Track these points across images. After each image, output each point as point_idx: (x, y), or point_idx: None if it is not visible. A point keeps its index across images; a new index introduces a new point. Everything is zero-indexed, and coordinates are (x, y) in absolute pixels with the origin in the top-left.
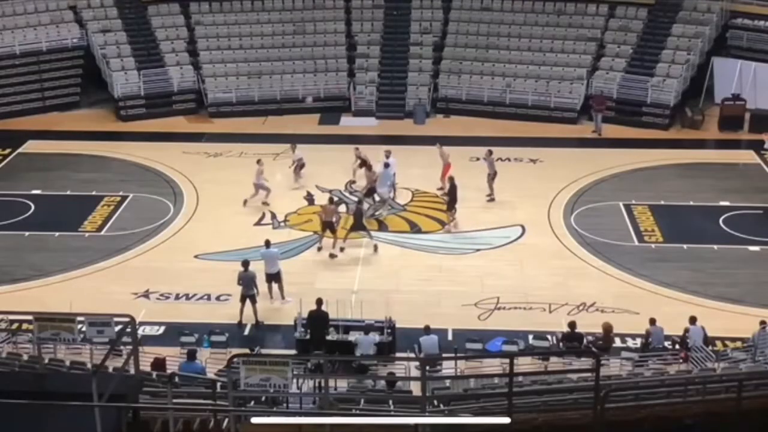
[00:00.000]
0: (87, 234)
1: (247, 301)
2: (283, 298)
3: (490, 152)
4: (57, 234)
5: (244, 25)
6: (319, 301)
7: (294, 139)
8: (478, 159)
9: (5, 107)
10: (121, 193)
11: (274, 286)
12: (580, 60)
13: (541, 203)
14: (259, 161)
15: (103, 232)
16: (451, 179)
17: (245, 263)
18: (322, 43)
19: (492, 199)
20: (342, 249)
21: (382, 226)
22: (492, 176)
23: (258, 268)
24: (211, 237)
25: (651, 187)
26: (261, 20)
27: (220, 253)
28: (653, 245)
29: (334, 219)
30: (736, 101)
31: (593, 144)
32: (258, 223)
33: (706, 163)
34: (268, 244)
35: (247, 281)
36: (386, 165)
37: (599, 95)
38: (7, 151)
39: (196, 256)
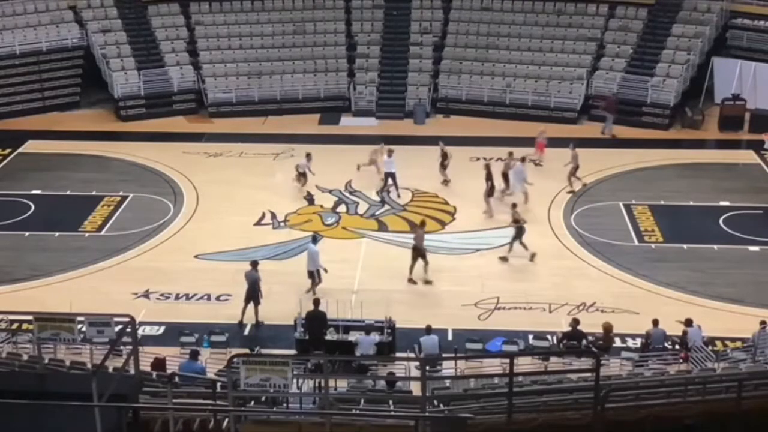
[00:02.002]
0: (87, 234)
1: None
2: (307, 292)
3: (574, 146)
4: (57, 234)
5: (244, 25)
6: (317, 302)
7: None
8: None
9: (5, 107)
10: (121, 193)
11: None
12: (580, 60)
13: (541, 203)
14: (382, 146)
15: (103, 232)
16: (488, 167)
17: (253, 263)
18: (322, 43)
19: (572, 192)
20: (505, 258)
21: (381, 227)
22: (574, 170)
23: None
24: (211, 237)
25: (651, 187)
26: (261, 20)
27: (220, 253)
28: (653, 245)
29: (423, 244)
30: (736, 101)
31: (593, 144)
32: (258, 223)
33: (706, 163)
34: (314, 239)
35: (249, 281)
36: (523, 159)
37: (611, 97)
38: (7, 151)
39: (196, 256)
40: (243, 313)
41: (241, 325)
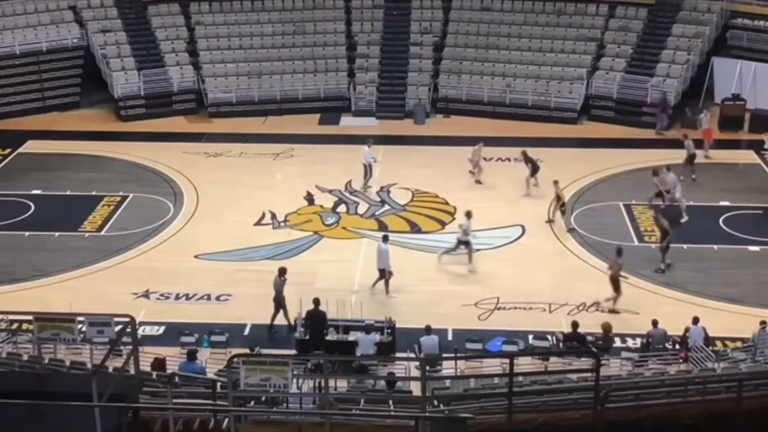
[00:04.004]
0: (87, 234)
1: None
2: (387, 291)
3: (686, 136)
4: (57, 234)
5: (244, 25)
6: (317, 301)
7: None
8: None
9: (5, 107)
10: (121, 193)
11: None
12: (580, 60)
13: (541, 203)
14: (479, 143)
15: (103, 232)
16: (524, 153)
17: (280, 270)
18: (322, 43)
19: (694, 180)
20: (667, 267)
21: (381, 227)
22: (691, 158)
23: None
24: (211, 237)
25: (651, 187)
26: (261, 20)
27: (220, 253)
28: (653, 245)
29: (621, 274)
30: (736, 101)
31: (593, 144)
32: (258, 223)
33: (706, 163)
34: (384, 238)
35: (275, 288)
36: (668, 168)
37: (663, 99)
38: (7, 151)
39: (196, 256)
40: (282, 317)
41: (291, 328)
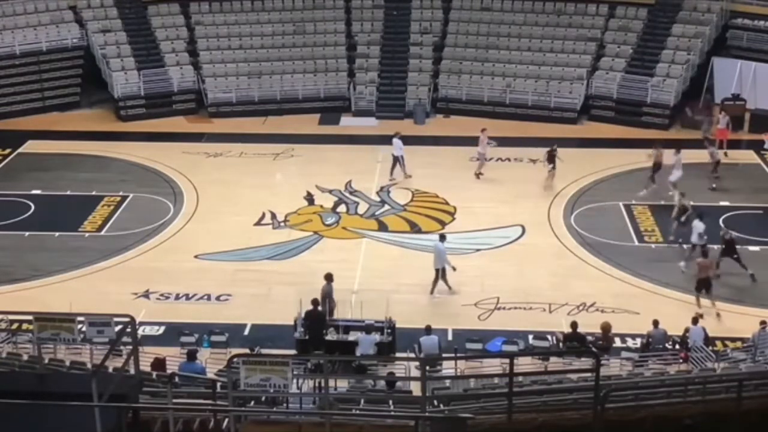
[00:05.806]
0: (87, 234)
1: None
2: (449, 288)
3: (709, 140)
4: (57, 234)
5: (244, 25)
6: (315, 302)
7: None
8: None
9: (5, 107)
10: (121, 193)
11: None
12: (580, 60)
13: (541, 203)
14: (483, 130)
15: (103, 232)
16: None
17: (327, 276)
18: (322, 43)
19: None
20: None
21: (381, 227)
22: (716, 164)
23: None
24: (211, 237)
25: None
26: (261, 20)
27: (220, 253)
28: (653, 245)
29: (710, 274)
30: (736, 101)
31: (593, 144)
32: (258, 223)
33: (706, 163)
34: (441, 238)
35: (323, 294)
36: (678, 151)
37: (707, 102)
38: (7, 151)
39: (196, 256)
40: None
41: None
